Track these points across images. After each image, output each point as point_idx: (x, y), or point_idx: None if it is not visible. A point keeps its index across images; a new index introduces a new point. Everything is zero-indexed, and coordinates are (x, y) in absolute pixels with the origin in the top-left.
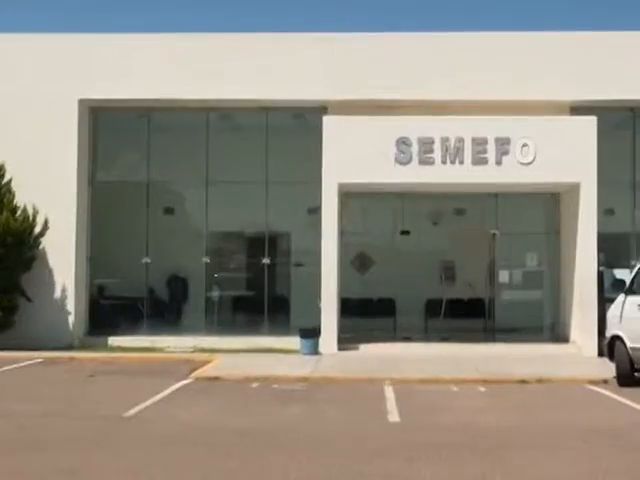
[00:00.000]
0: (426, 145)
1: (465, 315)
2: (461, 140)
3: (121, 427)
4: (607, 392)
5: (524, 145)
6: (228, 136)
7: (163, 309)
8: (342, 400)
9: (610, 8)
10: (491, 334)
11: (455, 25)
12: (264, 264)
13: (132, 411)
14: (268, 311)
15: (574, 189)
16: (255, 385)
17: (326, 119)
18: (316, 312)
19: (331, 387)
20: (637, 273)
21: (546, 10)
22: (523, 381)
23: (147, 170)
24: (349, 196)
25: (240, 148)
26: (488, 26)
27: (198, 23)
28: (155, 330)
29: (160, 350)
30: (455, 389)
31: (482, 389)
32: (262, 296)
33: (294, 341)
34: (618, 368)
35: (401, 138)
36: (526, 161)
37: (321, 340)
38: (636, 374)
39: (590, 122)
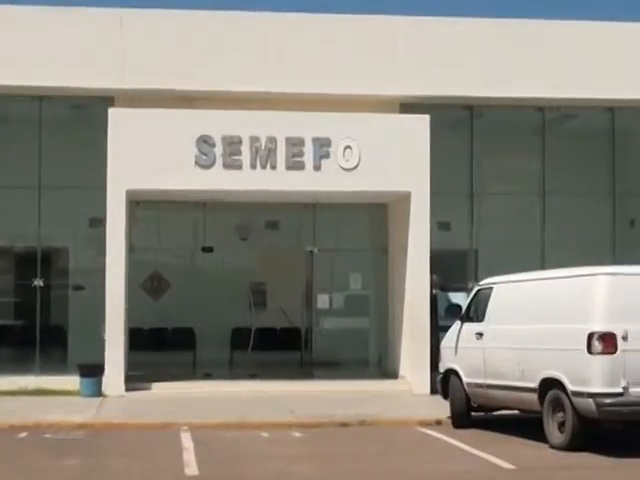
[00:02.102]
0: (232, 145)
1: (278, 347)
2: (273, 140)
3: None
4: (441, 435)
5: (347, 147)
6: None
7: None
8: (130, 451)
9: None
10: (308, 369)
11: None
12: (36, 286)
13: None
14: (40, 344)
15: (404, 199)
16: (23, 435)
17: (112, 112)
18: (99, 345)
19: (117, 435)
20: (474, 297)
21: None
22: (345, 424)
23: None
24: (140, 205)
25: (6, 145)
26: (310, 7)
27: None
28: None
29: None
30: (265, 435)
31: (297, 434)
32: (33, 325)
33: (72, 380)
34: (453, 407)
35: (202, 136)
36: (349, 166)
37: (105, 379)
38: (473, 414)
39: (422, 121)
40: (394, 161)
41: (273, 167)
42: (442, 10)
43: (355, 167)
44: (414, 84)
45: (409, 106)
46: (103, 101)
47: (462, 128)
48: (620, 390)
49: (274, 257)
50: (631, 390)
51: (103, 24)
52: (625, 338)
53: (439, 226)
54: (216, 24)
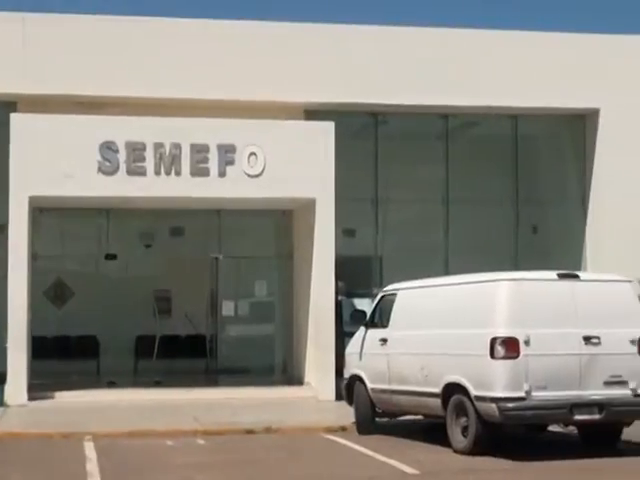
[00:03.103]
0: (136, 152)
1: (183, 354)
2: (178, 147)
3: None
4: (345, 441)
5: (252, 154)
6: None
7: None
8: (30, 461)
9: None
10: (214, 376)
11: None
12: None
13: None
14: None
15: (309, 206)
16: None
17: (14, 117)
18: (1, 354)
19: (18, 445)
20: (379, 303)
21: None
22: (250, 431)
23: None
24: (43, 212)
25: None
26: (216, 13)
27: None
28: None
29: None
30: (170, 443)
31: (202, 442)
32: None
33: None
34: (358, 413)
35: (106, 142)
36: (254, 172)
37: (7, 388)
38: (378, 419)
39: (327, 128)
40: (299, 168)
41: (178, 173)
42: (347, 17)
43: (260, 174)
44: (319, 91)
45: (314, 113)
46: (6, 106)
47: (366, 135)
48: (522, 394)
49: (179, 264)
50: (533, 394)
51: (5, 27)
52: (527, 343)
53: (344, 232)
54: (121, 29)
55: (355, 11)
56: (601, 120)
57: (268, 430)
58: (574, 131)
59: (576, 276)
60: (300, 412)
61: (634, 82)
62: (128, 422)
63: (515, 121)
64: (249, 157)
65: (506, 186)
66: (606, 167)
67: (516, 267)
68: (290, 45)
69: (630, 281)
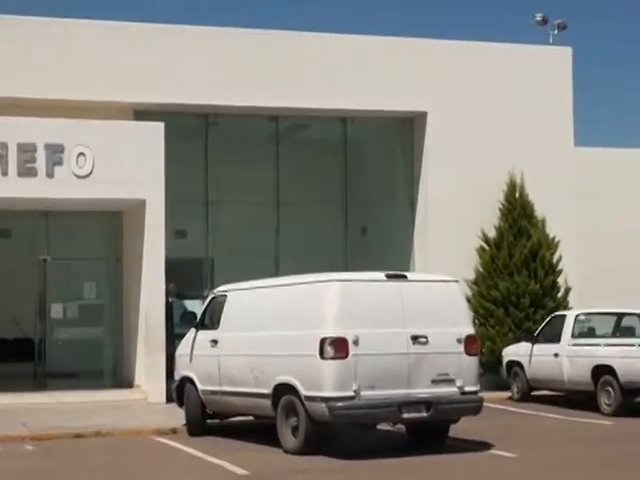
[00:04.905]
0: None
1: (10, 358)
2: (5, 146)
3: None
4: (176, 444)
5: (80, 154)
6: None
7: None
8: None
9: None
10: (42, 380)
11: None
12: None
13: None
14: None
15: (139, 207)
16: None
17: None
18: None
19: None
20: (209, 304)
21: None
22: (79, 435)
23: None
24: None
25: None
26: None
27: None
28: None
29: None
30: None
31: (30, 447)
32: None
33: None
34: (188, 415)
35: None
36: (83, 173)
37: None
38: (209, 421)
39: (157, 129)
40: (128, 169)
41: (4, 173)
42: (178, 18)
43: (89, 174)
44: (148, 91)
45: (144, 113)
46: None
47: (197, 136)
48: (352, 394)
49: (6, 266)
50: (362, 393)
51: None
52: (356, 343)
53: (175, 234)
54: None
55: (185, 11)
56: (428, 123)
57: (97, 434)
58: (403, 134)
59: (404, 277)
60: (130, 415)
61: (460, 86)
62: None
63: (345, 124)
64: (78, 157)
65: (336, 188)
66: (433, 169)
67: (346, 268)
68: (119, 45)
69: (456, 281)
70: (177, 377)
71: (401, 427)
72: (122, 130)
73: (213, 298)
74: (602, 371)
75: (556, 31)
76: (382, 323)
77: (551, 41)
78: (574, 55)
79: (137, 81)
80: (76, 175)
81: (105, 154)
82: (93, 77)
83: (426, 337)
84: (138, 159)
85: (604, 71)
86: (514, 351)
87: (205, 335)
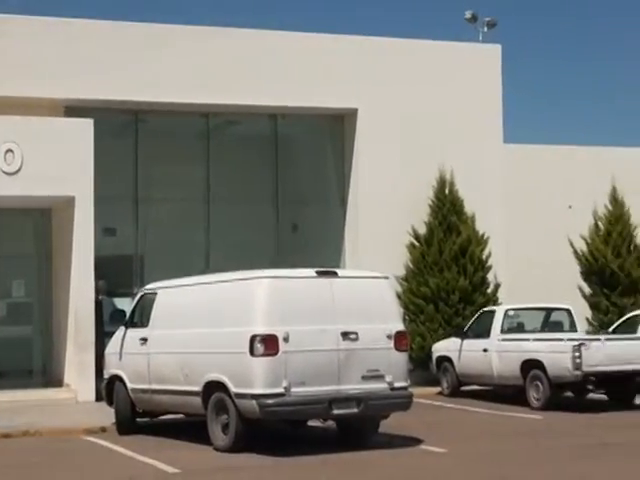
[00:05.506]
0: None
1: None
2: None
3: None
4: (105, 442)
5: (8, 151)
6: None
7: None
8: None
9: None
10: None
11: None
12: None
13: None
14: None
15: (68, 204)
16: None
17: None
18: None
19: None
20: (139, 302)
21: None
22: (7, 435)
23: None
24: None
25: None
26: None
27: None
28: None
29: None
30: None
31: None
32: None
33: None
34: (118, 413)
35: None
36: (11, 170)
37: None
38: (139, 419)
39: (86, 125)
40: (58, 165)
41: None
42: (108, 14)
43: (17, 171)
44: (79, 88)
45: (75, 110)
46: None
47: (127, 133)
48: (282, 391)
49: None
50: (292, 390)
51: None
52: (286, 339)
53: (104, 231)
54: None
55: (115, 8)
56: (359, 120)
57: (26, 433)
58: (334, 131)
59: (334, 273)
60: (59, 414)
61: (390, 83)
62: None
63: (275, 121)
64: (6, 154)
65: (267, 185)
66: (364, 166)
67: (277, 265)
68: (51, 41)
69: (386, 277)
70: (106, 375)
71: (332, 423)
72: (51, 126)
73: (143, 296)
74: (531, 366)
75: (486, 29)
76: (312, 320)
77: (481, 39)
78: (503, 52)
79: (68, 78)
80: (4, 172)
81: (34, 151)
82: (24, 73)
83: (356, 333)
84: (67, 156)
85: (533, 68)
86: (444, 347)
87: (135, 333)
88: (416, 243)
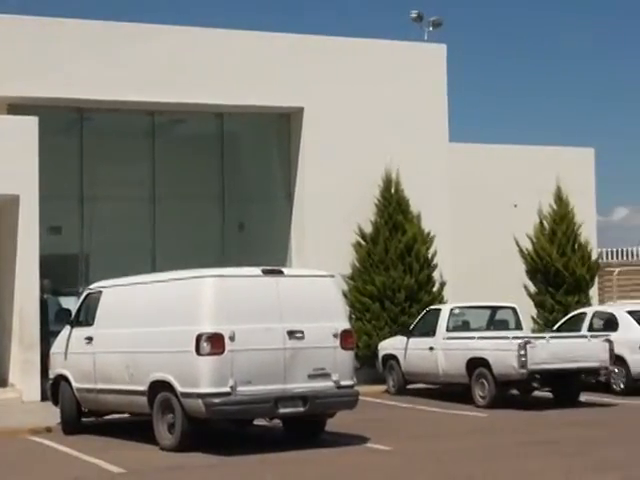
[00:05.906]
0: None
1: None
2: None
3: None
4: (51, 442)
5: None
6: None
7: None
8: None
9: None
10: None
11: None
12: None
13: None
14: None
15: (13, 202)
16: None
17: None
18: None
19: None
20: (84, 301)
21: None
22: None
23: None
24: None
25: None
26: None
27: None
28: None
29: None
30: None
31: None
32: None
33: None
34: (63, 413)
35: None
36: None
37: None
38: (85, 419)
39: (30, 123)
40: (2, 164)
41: None
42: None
43: None
44: (23, 85)
45: (19, 107)
46: None
47: (72, 131)
48: (228, 390)
49: None
50: (239, 389)
51: None
52: (232, 338)
53: (49, 230)
54: None
55: (65, 5)
56: (305, 119)
57: None
58: (280, 130)
59: (280, 272)
60: (4, 414)
61: (336, 81)
62: None
63: (221, 119)
64: None
65: (213, 183)
66: (310, 165)
67: (223, 264)
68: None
69: (332, 276)
70: (52, 375)
71: (278, 422)
72: None
73: (88, 295)
74: (476, 364)
75: (431, 28)
76: (258, 318)
77: (426, 38)
78: (448, 52)
79: (11, 75)
80: None
81: None
82: None
83: (302, 332)
84: (11, 154)
85: (479, 68)
86: (390, 345)
87: (80, 332)
88: (362, 242)
